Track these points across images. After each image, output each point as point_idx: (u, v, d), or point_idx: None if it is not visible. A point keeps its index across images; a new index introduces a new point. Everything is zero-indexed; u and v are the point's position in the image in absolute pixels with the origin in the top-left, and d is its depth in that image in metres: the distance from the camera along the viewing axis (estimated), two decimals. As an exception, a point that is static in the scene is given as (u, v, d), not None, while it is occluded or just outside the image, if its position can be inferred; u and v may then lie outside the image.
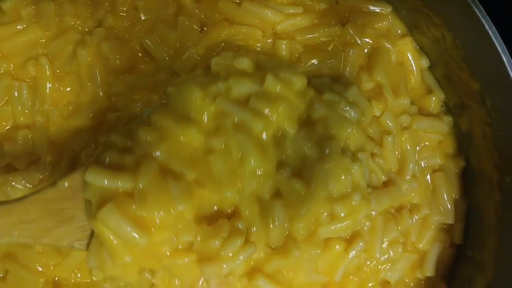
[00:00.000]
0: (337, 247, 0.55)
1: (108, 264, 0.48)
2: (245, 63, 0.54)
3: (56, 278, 0.59)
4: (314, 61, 0.60)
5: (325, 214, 0.52)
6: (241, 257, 0.48)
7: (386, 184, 0.60)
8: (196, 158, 0.49)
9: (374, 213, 0.58)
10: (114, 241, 0.46)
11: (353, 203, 0.53)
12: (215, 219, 0.49)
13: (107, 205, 0.46)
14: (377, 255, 0.58)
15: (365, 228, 0.58)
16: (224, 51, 0.58)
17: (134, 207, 0.46)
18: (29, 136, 0.61)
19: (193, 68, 0.59)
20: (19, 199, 0.47)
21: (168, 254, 0.48)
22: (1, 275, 0.60)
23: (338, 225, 0.53)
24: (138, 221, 0.46)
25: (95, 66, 0.60)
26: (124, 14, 0.62)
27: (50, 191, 0.47)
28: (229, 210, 0.50)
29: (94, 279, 0.57)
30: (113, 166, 0.48)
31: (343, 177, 0.52)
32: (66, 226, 0.47)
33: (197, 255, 0.48)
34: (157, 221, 0.46)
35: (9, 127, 0.62)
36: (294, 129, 0.52)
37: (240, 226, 0.49)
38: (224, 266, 0.47)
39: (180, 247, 0.49)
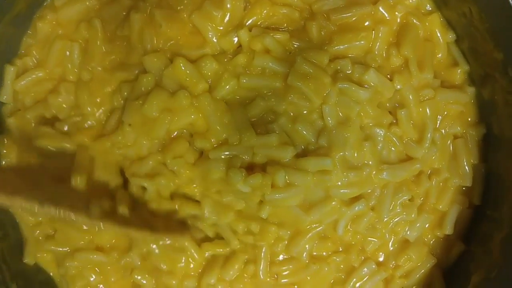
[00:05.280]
0: (333, 203, 0.61)
1: None
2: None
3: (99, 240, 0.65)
4: (345, 41, 0.63)
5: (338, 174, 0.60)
6: None
7: (407, 157, 0.64)
8: None
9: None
10: None
11: (364, 173, 0.61)
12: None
13: None
14: (385, 217, 0.63)
15: (376, 194, 0.63)
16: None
17: None
18: (72, 89, 0.65)
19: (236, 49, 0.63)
20: None
21: None
22: (52, 232, 0.67)
23: (348, 190, 0.61)
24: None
25: (146, 31, 0.63)
26: None
27: None
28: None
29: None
30: None
31: (355, 154, 0.60)
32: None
33: None
34: None
35: (58, 84, 0.66)
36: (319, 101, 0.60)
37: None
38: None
39: None
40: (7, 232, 0.67)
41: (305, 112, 0.61)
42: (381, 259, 0.66)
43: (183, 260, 0.63)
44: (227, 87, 0.61)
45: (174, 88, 0.61)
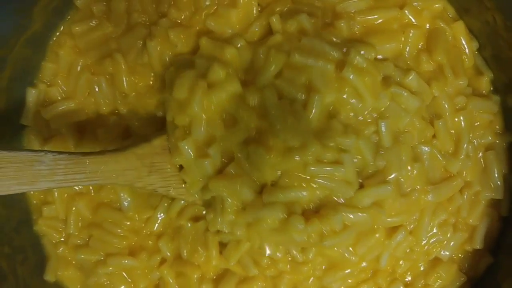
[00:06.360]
0: (377, 235, 0.58)
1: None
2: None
3: (133, 243, 0.66)
4: (375, 42, 0.60)
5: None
6: None
7: (446, 173, 0.62)
8: None
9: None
10: None
11: (413, 198, 0.58)
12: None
13: None
14: (423, 240, 0.61)
15: (414, 217, 0.61)
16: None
17: None
18: (118, 120, 0.66)
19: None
20: (122, 150, 0.58)
21: None
22: (81, 243, 0.67)
23: (395, 219, 0.58)
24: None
25: (165, 54, 0.63)
26: (186, 6, 0.64)
27: (145, 146, 0.59)
28: None
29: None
30: None
31: (408, 175, 0.57)
32: (155, 176, 0.59)
33: None
34: None
35: (94, 115, 0.67)
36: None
37: None
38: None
39: None
40: (27, 256, 0.68)
41: (360, 118, 0.56)
42: (408, 279, 0.64)
43: (204, 255, 0.63)
44: (274, 66, 0.54)
45: (206, 66, 0.57)
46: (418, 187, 0.59)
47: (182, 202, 0.63)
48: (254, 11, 0.62)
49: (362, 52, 0.56)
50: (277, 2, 0.62)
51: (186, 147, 0.57)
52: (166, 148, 0.59)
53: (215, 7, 0.63)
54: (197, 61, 0.58)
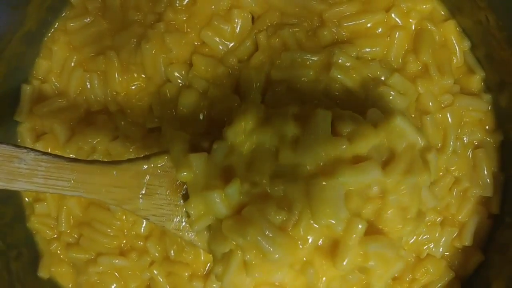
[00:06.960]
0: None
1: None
2: None
3: (123, 244, 0.67)
4: (358, 46, 0.62)
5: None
6: None
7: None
8: None
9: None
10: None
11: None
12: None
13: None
14: (410, 240, 0.62)
15: None
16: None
17: None
18: (107, 119, 0.66)
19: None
20: (115, 163, 0.50)
21: None
22: (72, 241, 0.67)
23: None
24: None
25: (159, 58, 0.64)
26: (183, 8, 0.65)
27: (142, 163, 0.51)
28: None
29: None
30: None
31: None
32: (147, 200, 0.51)
33: None
34: None
35: (85, 113, 0.67)
36: None
37: None
38: None
39: None
40: (21, 252, 0.68)
41: None
42: (396, 273, 0.63)
43: (191, 253, 0.63)
44: (257, 85, 0.60)
45: (203, 87, 0.61)
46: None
47: None
48: (249, 27, 0.64)
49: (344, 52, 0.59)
50: (268, 14, 0.64)
51: (197, 158, 0.49)
52: (167, 170, 0.52)
53: (210, 19, 0.64)
54: (194, 80, 0.61)
